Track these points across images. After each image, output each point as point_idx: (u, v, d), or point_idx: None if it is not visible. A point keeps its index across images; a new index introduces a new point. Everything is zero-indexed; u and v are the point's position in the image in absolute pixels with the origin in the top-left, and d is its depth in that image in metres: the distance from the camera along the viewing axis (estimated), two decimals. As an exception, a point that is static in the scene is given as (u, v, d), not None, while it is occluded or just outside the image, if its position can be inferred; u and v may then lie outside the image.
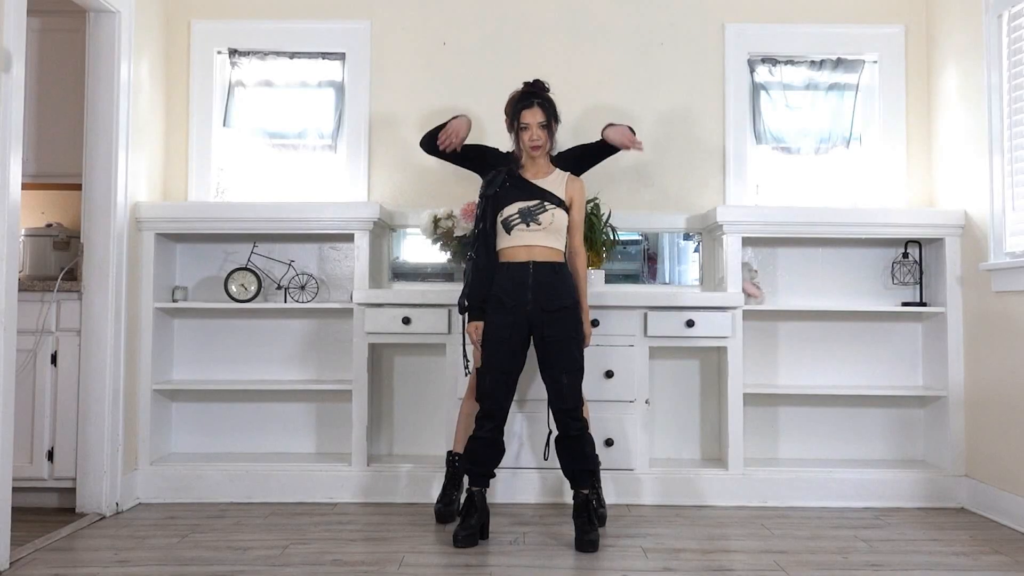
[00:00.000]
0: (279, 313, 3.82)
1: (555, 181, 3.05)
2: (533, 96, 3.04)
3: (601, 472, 3.31)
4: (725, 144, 3.90)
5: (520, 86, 3.19)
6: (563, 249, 3.02)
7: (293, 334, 3.82)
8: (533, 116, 3.01)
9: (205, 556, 2.76)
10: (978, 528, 3.19)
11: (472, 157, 3.34)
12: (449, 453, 3.29)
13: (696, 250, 3.93)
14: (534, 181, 3.05)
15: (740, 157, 3.89)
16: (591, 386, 3.42)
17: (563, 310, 2.93)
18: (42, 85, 3.62)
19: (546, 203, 2.97)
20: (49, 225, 3.71)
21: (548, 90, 3.11)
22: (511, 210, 2.97)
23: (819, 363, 3.81)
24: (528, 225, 2.94)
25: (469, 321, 3.03)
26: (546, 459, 3.12)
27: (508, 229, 2.97)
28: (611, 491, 3.44)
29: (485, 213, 3.05)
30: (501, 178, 3.04)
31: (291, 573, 2.60)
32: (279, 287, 3.74)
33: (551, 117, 3.04)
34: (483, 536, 2.94)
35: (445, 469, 3.31)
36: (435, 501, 3.30)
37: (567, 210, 3.03)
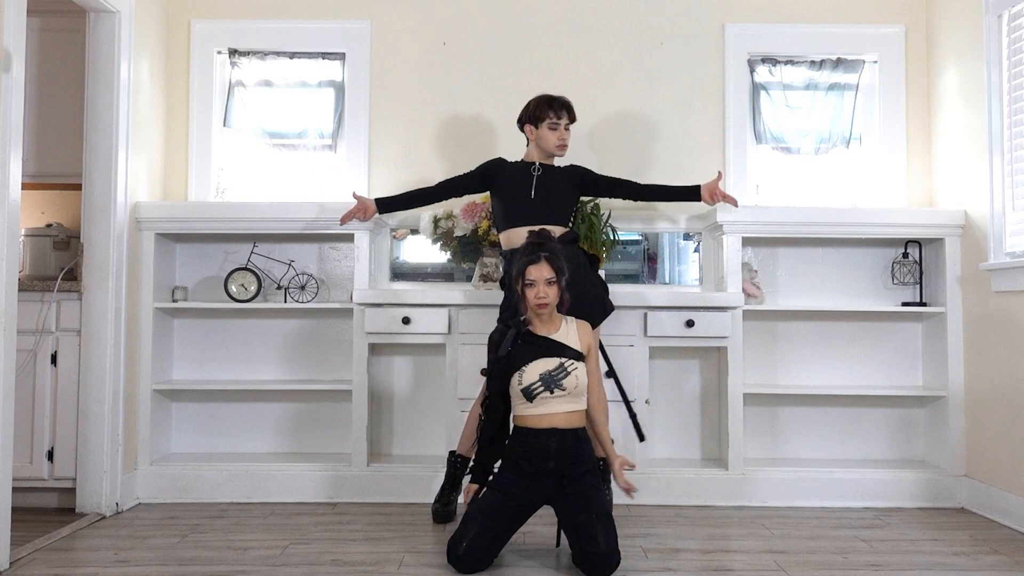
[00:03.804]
0: (279, 313, 3.81)
1: (566, 332, 2.81)
2: (539, 249, 2.77)
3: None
4: (725, 144, 3.89)
5: (541, 92, 3.11)
6: (584, 408, 2.79)
7: (293, 334, 3.82)
8: (539, 272, 2.73)
9: (205, 556, 2.76)
10: (978, 528, 3.19)
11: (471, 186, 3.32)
12: (451, 453, 3.27)
13: (696, 250, 3.93)
14: (548, 336, 2.80)
15: (740, 157, 3.88)
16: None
17: (585, 474, 2.70)
18: (42, 85, 3.62)
19: (566, 363, 2.73)
20: (49, 225, 3.71)
21: (553, 239, 2.85)
22: (532, 376, 2.71)
23: (819, 363, 3.80)
24: (552, 392, 2.70)
25: (471, 481, 2.83)
26: (558, 546, 2.86)
27: (530, 398, 2.71)
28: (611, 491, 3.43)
29: (495, 374, 2.81)
30: (511, 336, 2.79)
31: (291, 573, 2.60)
32: (279, 287, 3.74)
33: (559, 271, 2.75)
34: None
35: (446, 469, 3.30)
36: (433, 501, 3.30)
37: (584, 359, 2.79)
